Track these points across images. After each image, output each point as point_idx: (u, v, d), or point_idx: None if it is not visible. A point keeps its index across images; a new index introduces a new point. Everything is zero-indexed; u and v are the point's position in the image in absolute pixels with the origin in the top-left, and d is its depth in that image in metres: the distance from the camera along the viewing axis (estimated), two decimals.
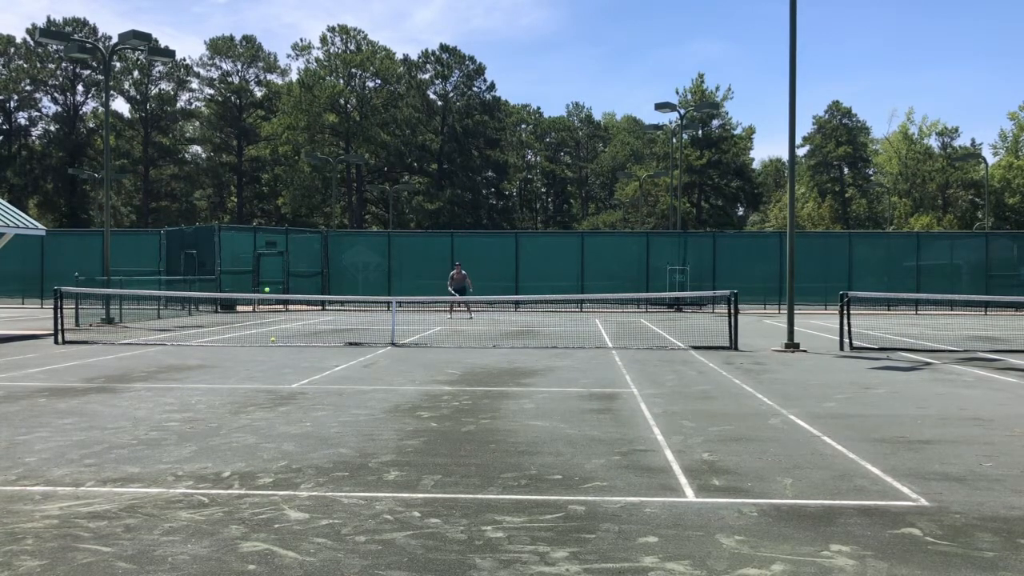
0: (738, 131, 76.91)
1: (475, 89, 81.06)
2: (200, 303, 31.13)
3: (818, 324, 24.47)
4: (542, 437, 8.13)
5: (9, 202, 29.80)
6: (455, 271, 27.97)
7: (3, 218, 21.58)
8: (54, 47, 59.17)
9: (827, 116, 78.99)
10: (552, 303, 34.20)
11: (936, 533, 5.23)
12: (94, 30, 74.14)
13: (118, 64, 70.40)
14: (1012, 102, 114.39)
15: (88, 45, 38.19)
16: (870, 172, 79.76)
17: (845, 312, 17.41)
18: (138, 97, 76.31)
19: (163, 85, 77.59)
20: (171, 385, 11.73)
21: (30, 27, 69.66)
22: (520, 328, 23.52)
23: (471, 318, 27.81)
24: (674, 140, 53.25)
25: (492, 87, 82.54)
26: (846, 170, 79.33)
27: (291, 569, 4.59)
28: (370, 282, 36.30)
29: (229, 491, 6.16)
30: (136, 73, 75.51)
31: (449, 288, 27.70)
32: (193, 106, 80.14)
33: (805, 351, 16.75)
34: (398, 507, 5.74)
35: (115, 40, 33.62)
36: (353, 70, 75.60)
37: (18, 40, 73.21)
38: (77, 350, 16.73)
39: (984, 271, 34.64)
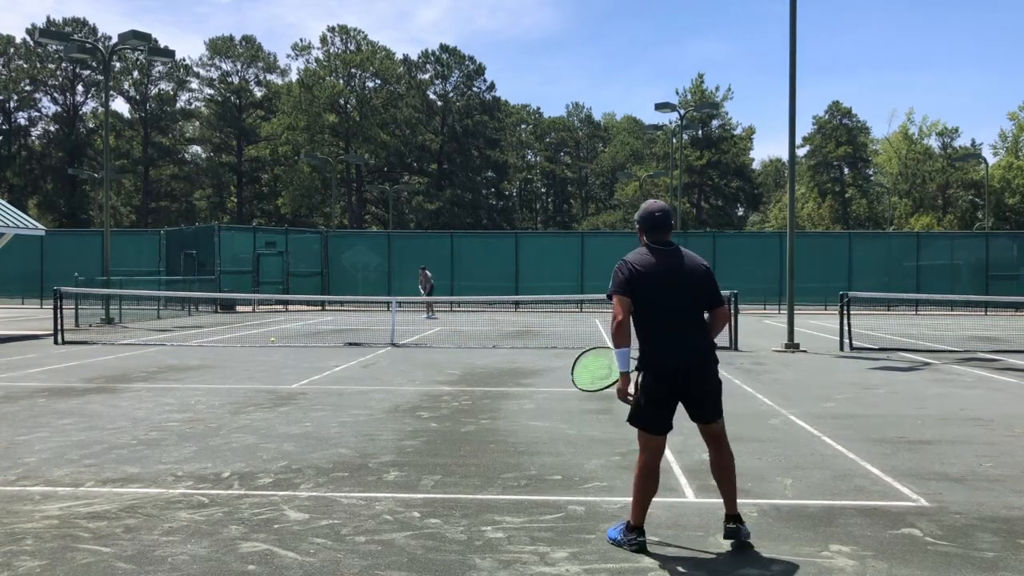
0: (738, 131, 76.94)
1: (475, 89, 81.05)
2: (200, 303, 31.12)
3: (818, 324, 24.47)
4: (542, 437, 8.13)
5: (9, 202, 29.78)
6: (423, 275, 28.66)
7: (3, 218, 21.58)
8: (54, 47, 59.15)
9: (827, 116, 78.92)
10: (552, 303, 34.19)
11: (936, 533, 5.22)
12: (94, 30, 74.13)
13: (118, 64, 70.34)
14: (1012, 102, 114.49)
15: (88, 45, 38.21)
16: (870, 172, 79.72)
17: (845, 312, 17.40)
18: (138, 97, 76.30)
19: (163, 85, 77.63)
20: (171, 385, 11.73)
21: (30, 27, 69.69)
22: (520, 328, 23.52)
23: (435, 318, 28.25)
24: (674, 140, 53.25)
25: (492, 87, 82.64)
26: (846, 170, 79.29)
27: (291, 569, 4.59)
28: (370, 282, 36.29)
29: (229, 491, 6.15)
30: (136, 73, 75.50)
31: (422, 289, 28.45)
32: (193, 106, 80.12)
33: (805, 351, 16.75)
34: (398, 507, 5.74)
35: (115, 40, 33.63)
36: (353, 70, 75.59)
37: (18, 40, 73.26)
38: (77, 350, 16.72)
39: (984, 271, 34.62)
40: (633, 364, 4.84)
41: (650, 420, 4.84)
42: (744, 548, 4.91)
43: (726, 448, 4.99)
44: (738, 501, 5.04)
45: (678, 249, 4.92)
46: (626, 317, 4.75)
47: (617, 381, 4.90)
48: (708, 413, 4.91)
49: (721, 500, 5.07)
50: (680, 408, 4.92)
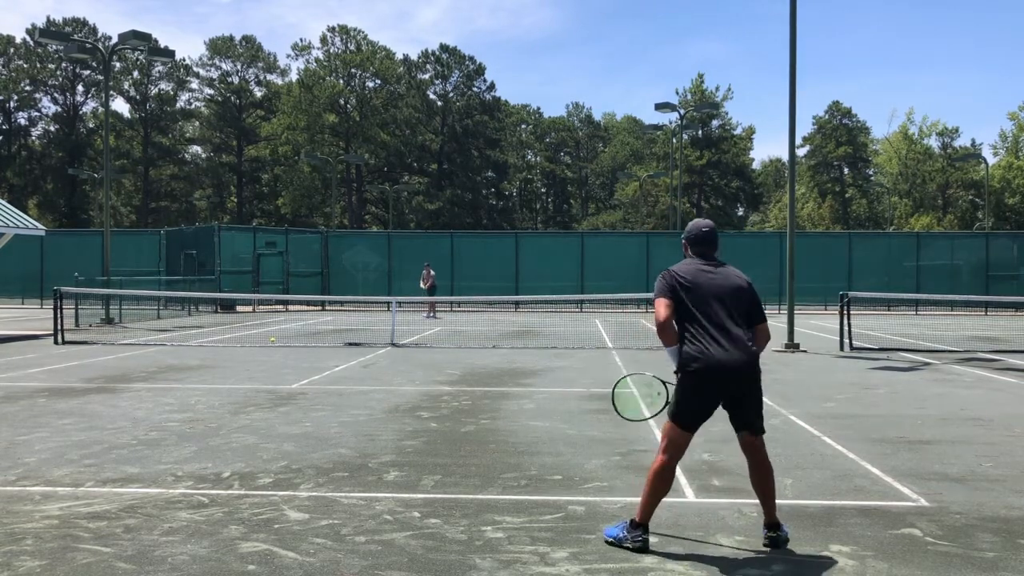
0: (738, 131, 76.91)
1: (475, 89, 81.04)
2: (200, 303, 31.11)
3: (818, 324, 24.47)
4: (542, 437, 8.13)
5: (9, 202, 29.77)
6: (426, 271, 28.70)
7: (3, 218, 21.57)
8: (54, 47, 59.15)
9: (827, 116, 78.91)
10: (552, 303, 34.19)
11: (936, 533, 5.22)
12: (94, 30, 74.13)
13: (118, 64, 70.35)
14: (1012, 102, 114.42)
15: (88, 45, 38.22)
16: (870, 172, 79.73)
17: (845, 312, 17.40)
18: (138, 97, 76.29)
19: (163, 85, 77.62)
20: (171, 385, 11.72)
21: (30, 27, 69.69)
22: (520, 328, 23.51)
23: (436, 318, 28.12)
24: (674, 140, 53.25)
25: (492, 87, 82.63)
26: (846, 170, 79.28)
27: (291, 569, 4.59)
28: (370, 282, 36.28)
29: (229, 491, 6.15)
30: (136, 73, 75.49)
31: (423, 286, 28.54)
32: (193, 106, 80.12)
33: (805, 351, 16.75)
34: (398, 507, 5.74)
35: (115, 40, 33.62)
36: (353, 70, 75.58)
37: (18, 40, 73.26)
38: (77, 350, 16.72)
39: (984, 271, 34.60)
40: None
41: (684, 412, 4.88)
42: (779, 546, 4.91)
43: (763, 461, 4.99)
44: (739, 501, 5.05)
45: (723, 264, 5.07)
46: (668, 319, 4.86)
47: (668, 402, 5.15)
48: (748, 416, 4.91)
49: (722, 500, 5.08)
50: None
